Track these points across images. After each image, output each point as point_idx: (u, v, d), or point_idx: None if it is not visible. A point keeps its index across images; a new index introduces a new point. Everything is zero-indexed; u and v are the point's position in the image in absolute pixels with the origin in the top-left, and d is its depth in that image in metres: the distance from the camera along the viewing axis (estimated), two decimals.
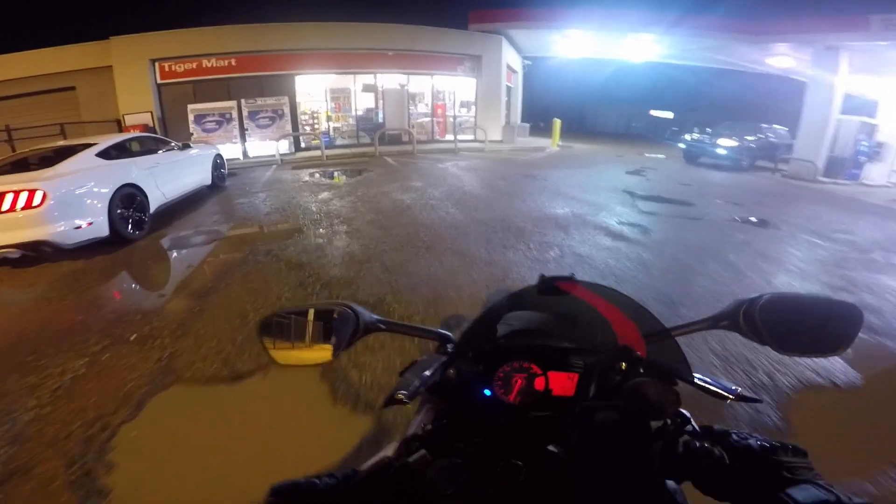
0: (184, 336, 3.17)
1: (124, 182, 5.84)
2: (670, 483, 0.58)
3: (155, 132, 13.87)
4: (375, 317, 0.77)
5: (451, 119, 17.96)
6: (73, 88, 14.10)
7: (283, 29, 14.11)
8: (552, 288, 0.73)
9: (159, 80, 13.99)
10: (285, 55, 14.33)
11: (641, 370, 0.69)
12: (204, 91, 14.08)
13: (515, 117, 20.56)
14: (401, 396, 0.65)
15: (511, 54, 18.98)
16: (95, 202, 5.34)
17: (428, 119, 16.78)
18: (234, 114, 13.34)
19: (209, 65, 14.09)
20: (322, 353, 0.72)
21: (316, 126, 15.38)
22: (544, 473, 0.55)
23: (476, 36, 16.24)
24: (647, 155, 16.27)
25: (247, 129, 13.49)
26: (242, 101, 13.37)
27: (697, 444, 0.58)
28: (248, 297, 3.80)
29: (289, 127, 13.85)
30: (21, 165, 5.69)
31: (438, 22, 15.89)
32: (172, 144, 7.69)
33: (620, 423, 0.54)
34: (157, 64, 13.85)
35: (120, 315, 3.54)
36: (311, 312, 0.73)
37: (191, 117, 13.27)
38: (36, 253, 5.00)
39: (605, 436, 0.53)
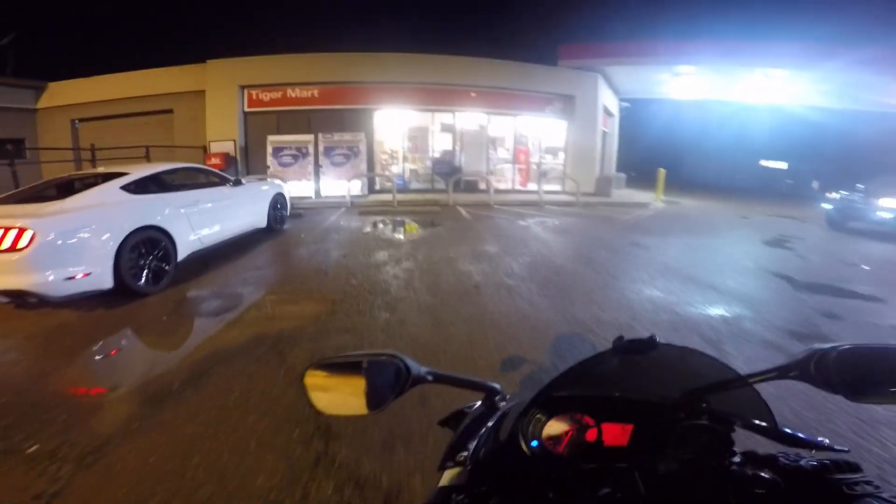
0: (91, 468, 2.14)
1: (145, 223, 4.89)
2: None
3: (236, 162, 13.88)
4: (424, 369, 0.74)
5: (536, 166, 16.48)
6: (170, 111, 14.65)
7: (365, 59, 13.71)
8: (628, 350, 0.71)
9: (246, 108, 14.09)
10: (366, 88, 13.86)
11: (704, 419, 0.67)
12: (286, 122, 13.95)
13: (610, 167, 18.54)
14: (462, 460, 0.64)
15: (608, 95, 17.26)
16: (99, 247, 4.37)
17: (509, 165, 15.37)
18: (311, 148, 12.91)
19: (293, 95, 13.98)
20: (367, 404, 0.69)
21: (391, 166, 14.65)
22: None
23: (569, 73, 14.78)
24: (774, 216, 13.35)
25: (321, 167, 12.97)
26: (320, 135, 12.94)
27: (749, 472, 0.57)
28: (210, 422, 2.45)
29: (363, 166, 13.15)
30: (37, 195, 4.98)
31: (525, 57, 14.68)
32: (225, 179, 6.87)
33: (683, 474, 0.56)
34: (245, 91, 14.00)
35: (47, 408, 2.67)
36: (359, 362, 0.71)
37: (269, 149, 13.05)
38: (20, 301, 4.22)
39: (670, 487, 0.55)
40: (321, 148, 12.87)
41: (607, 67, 15.05)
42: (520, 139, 15.82)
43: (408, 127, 14.47)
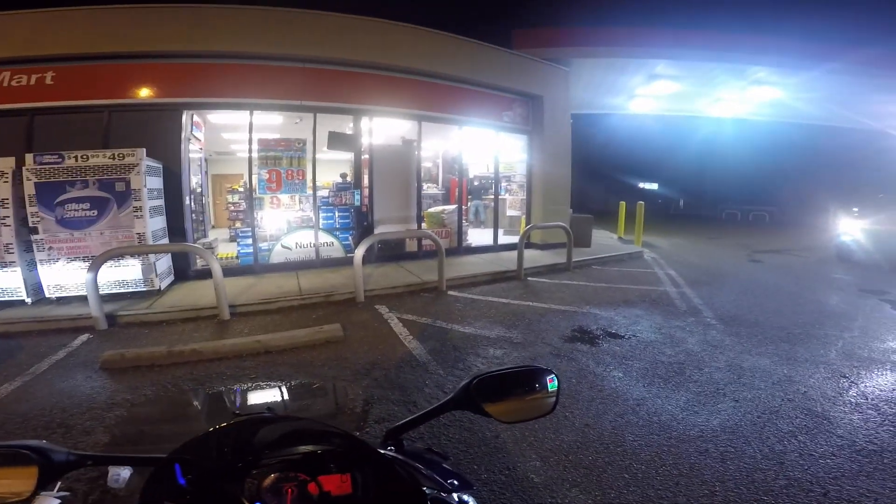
0: None
1: None
2: None
3: None
4: (77, 453, 0.69)
5: (479, 203, 10.78)
6: None
7: (164, 14, 6.67)
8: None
9: None
10: (165, 66, 6.75)
11: (405, 458, 0.79)
12: None
13: None
14: None
15: None
16: None
17: (452, 208, 9.17)
18: (7, 189, 5.32)
19: (4, 83, 6.34)
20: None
21: (232, 216, 7.49)
22: None
23: (534, 64, 9.35)
24: (772, 252, 11.00)
25: (35, 228, 5.40)
26: (30, 157, 5.41)
27: None
28: None
29: (151, 222, 5.84)
30: None
31: (469, 33, 8.90)
32: None
33: None
34: None
35: None
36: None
37: None
38: None
39: None
40: (30, 188, 5.32)
41: (577, 60, 10.10)
42: (454, 162, 9.99)
43: (260, 140, 7.50)
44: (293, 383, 2.84)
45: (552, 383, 0.87)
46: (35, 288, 5.50)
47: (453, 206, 8.99)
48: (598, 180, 31.20)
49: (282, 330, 4.58)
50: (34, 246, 5.38)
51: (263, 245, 7.36)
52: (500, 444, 2.62)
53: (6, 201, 5.31)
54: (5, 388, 3.37)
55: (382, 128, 8.41)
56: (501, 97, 9.16)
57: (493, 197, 9.92)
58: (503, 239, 9.52)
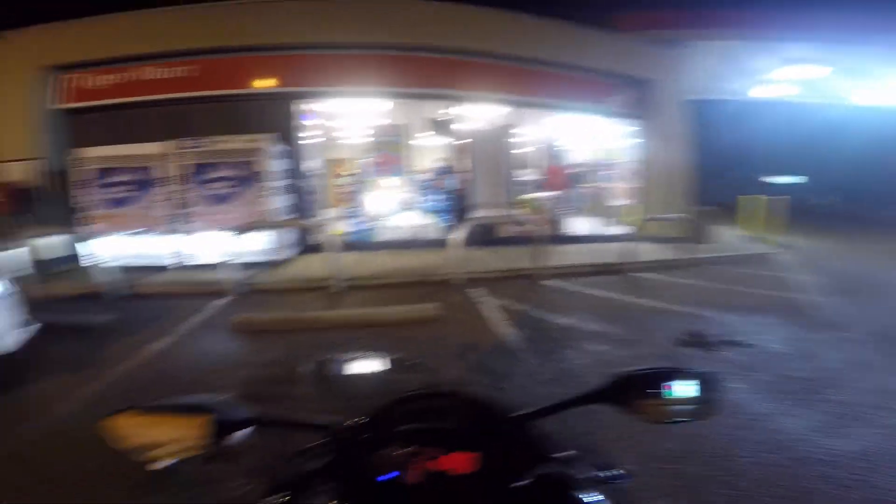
0: None
1: None
2: None
3: (36, 199, 7.25)
4: (246, 413, 0.75)
5: (581, 190, 10.28)
6: None
7: (277, 9, 7.33)
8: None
9: (63, 103, 7.53)
10: (280, 59, 7.45)
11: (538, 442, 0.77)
12: (138, 125, 7.42)
13: None
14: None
15: None
16: None
17: (551, 195, 8.87)
18: (170, 168, 6.36)
19: (153, 75, 7.52)
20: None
21: (339, 198, 8.13)
22: None
23: (641, 48, 8.61)
24: None
25: (186, 205, 6.38)
26: (180, 142, 6.35)
27: None
28: None
29: (271, 201, 6.52)
30: None
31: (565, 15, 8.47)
32: None
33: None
34: (58, 77, 7.46)
35: None
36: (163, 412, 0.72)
37: (83, 174, 6.46)
38: None
39: None
40: (180, 167, 6.27)
41: (699, 43, 9.04)
42: (563, 148, 9.62)
43: (366, 126, 7.99)
44: (392, 357, 2.99)
45: (705, 387, 0.79)
46: (180, 255, 6.51)
47: (552, 193, 8.71)
48: (726, 171, 27.85)
49: (385, 305, 4.86)
50: (181, 219, 6.36)
51: (369, 224, 7.86)
52: (596, 442, 2.53)
53: (161, 179, 6.34)
54: (153, 347, 3.95)
55: (480, 113, 8.39)
56: (604, 81, 8.57)
57: (594, 185, 9.40)
58: (605, 229, 9.01)
